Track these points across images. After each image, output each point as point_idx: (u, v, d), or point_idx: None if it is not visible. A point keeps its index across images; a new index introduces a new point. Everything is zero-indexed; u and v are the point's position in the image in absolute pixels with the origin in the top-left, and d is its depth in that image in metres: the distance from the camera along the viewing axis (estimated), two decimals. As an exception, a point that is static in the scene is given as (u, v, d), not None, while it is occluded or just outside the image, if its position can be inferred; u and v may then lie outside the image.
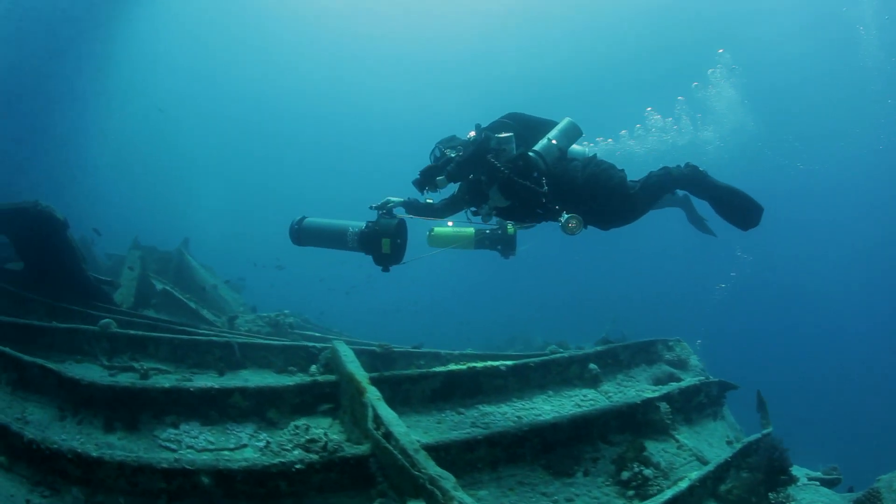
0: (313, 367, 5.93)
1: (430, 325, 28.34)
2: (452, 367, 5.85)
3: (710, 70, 21.39)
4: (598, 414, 5.32)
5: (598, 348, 6.99)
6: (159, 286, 9.93)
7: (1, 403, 4.95)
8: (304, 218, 6.49)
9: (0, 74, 26.65)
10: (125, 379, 5.69)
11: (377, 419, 4.20)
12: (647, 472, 4.76)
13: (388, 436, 3.99)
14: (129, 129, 41.68)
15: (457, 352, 7.33)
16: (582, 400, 6.15)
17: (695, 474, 4.82)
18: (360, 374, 4.72)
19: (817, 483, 6.28)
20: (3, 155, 27.62)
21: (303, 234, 6.40)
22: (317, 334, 10.63)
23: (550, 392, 6.16)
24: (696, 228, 7.30)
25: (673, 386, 6.43)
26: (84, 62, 31.32)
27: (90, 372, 5.81)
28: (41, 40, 27.59)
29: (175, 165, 50.83)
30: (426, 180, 6.00)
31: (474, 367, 5.82)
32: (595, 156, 5.97)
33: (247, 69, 51.40)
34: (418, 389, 5.47)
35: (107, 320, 6.32)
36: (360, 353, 5.59)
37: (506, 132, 5.76)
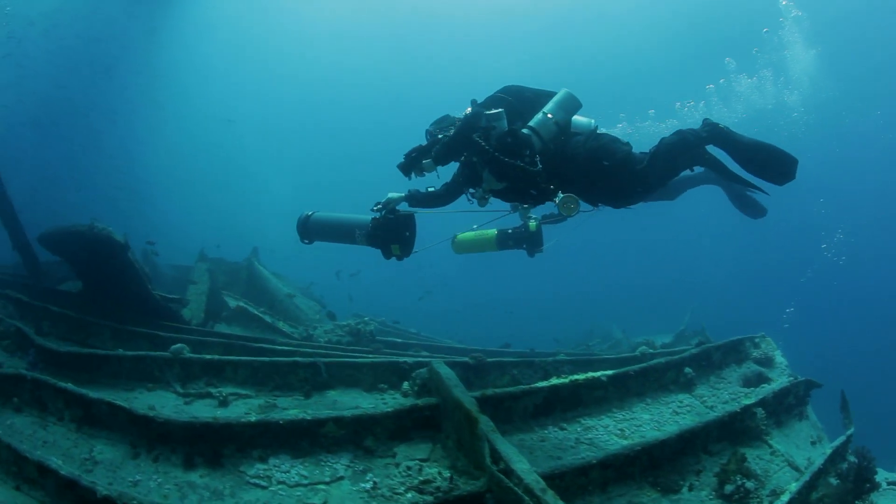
0: (405, 385, 5.64)
1: (505, 321, 27.73)
2: (554, 381, 5.59)
3: (780, 18, 20.88)
4: (703, 427, 5.23)
5: (693, 351, 6.82)
6: (233, 303, 9.56)
7: (66, 443, 4.63)
8: (312, 213, 6.39)
9: (47, 93, 27.06)
10: (202, 406, 5.42)
11: (495, 454, 3.85)
12: (749, 484, 4.74)
13: (509, 473, 3.63)
14: (186, 140, 41.98)
15: (549, 358, 7.07)
16: (679, 406, 6.08)
17: (794, 486, 4.81)
18: (468, 401, 4.26)
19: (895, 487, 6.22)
20: (57, 172, 28.02)
21: (311, 230, 6.31)
22: (398, 340, 10.25)
23: (648, 399, 6.06)
24: (741, 212, 7.14)
25: (766, 389, 6.39)
26: (132, 76, 31.61)
27: (163, 400, 5.52)
28: (86, 56, 27.89)
29: (238, 174, 50.95)
30: (411, 164, 5.86)
31: (576, 380, 5.60)
32: (596, 129, 5.72)
33: (307, 71, 51.13)
34: (520, 406, 5.23)
35: (179, 345, 5.99)
36: (452, 366, 5.37)
37: (497, 108, 5.55)
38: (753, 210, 7.03)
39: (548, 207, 6.62)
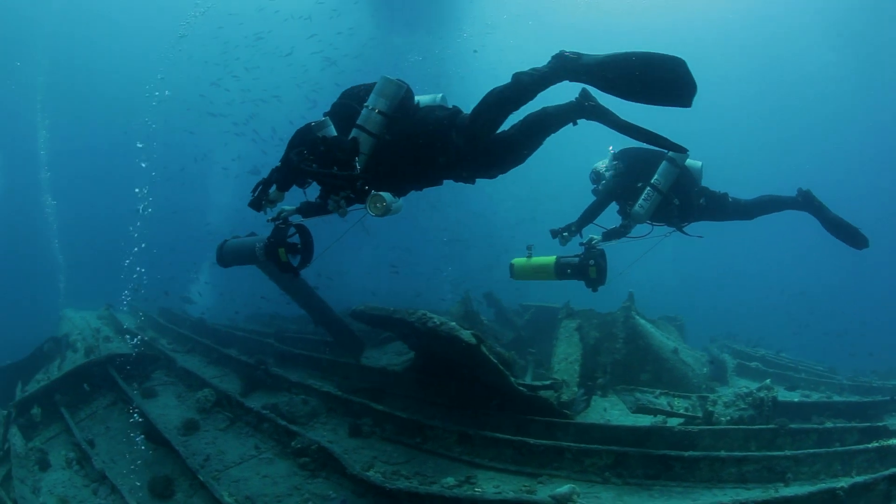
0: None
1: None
2: None
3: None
4: None
5: None
6: (629, 399, 7.64)
7: None
8: (227, 240, 6.42)
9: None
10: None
11: None
12: None
13: None
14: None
15: None
16: None
17: None
18: None
19: None
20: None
21: (225, 256, 6.28)
22: (794, 399, 8.46)
23: None
24: (837, 237, 7.38)
25: None
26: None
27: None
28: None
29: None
30: (259, 199, 5.79)
31: None
32: (417, 104, 5.66)
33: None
34: None
35: (566, 489, 4.92)
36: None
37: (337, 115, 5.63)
38: (853, 239, 7.27)
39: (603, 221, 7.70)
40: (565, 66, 4.72)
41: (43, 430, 7.37)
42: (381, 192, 5.16)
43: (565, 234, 7.90)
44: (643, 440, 6.19)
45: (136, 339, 10.17)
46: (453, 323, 6.25)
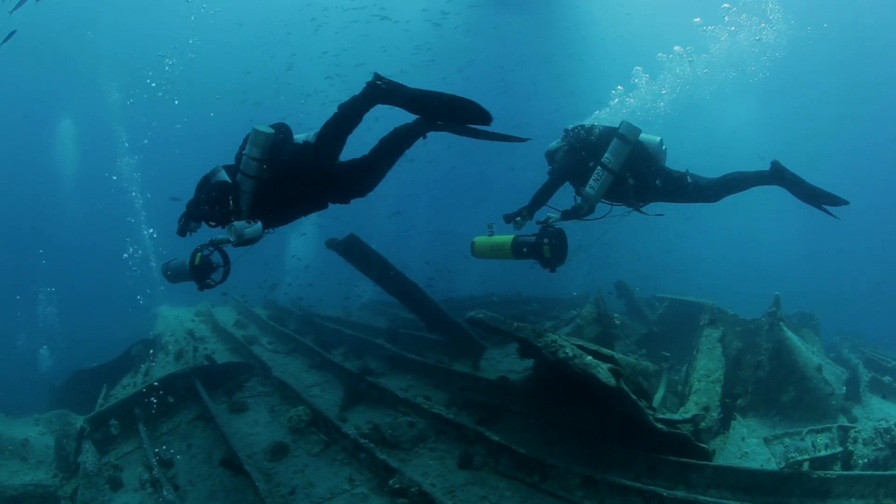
0: None
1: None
2: None
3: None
4: None
5: None
6: (779, 452, 6.77)
7: None
8: (170, 260, 6.78)
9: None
10: None
11: None
12: None
13: None
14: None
15: None
16: None
17: None
18: None
19: None
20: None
21: (173, 271, 6.63)
22: None
23: None
24: (817, 208, 7.00)
25: None
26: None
27: None
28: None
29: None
30: (184, 228, 6.31)
31: None
32: (284, 141, 6.12)
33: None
34: None
35: None
36: None
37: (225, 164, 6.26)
38: (833, 203, 6.91)
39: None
40: (375, 94, 5.46)
41: (121, 444, 7.13)
42: (235, 224, 5.74)
43: (518, 218, 7.95)
44: (780, 486, 5.82)
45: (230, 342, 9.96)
46: (588, 358, 5.61)
